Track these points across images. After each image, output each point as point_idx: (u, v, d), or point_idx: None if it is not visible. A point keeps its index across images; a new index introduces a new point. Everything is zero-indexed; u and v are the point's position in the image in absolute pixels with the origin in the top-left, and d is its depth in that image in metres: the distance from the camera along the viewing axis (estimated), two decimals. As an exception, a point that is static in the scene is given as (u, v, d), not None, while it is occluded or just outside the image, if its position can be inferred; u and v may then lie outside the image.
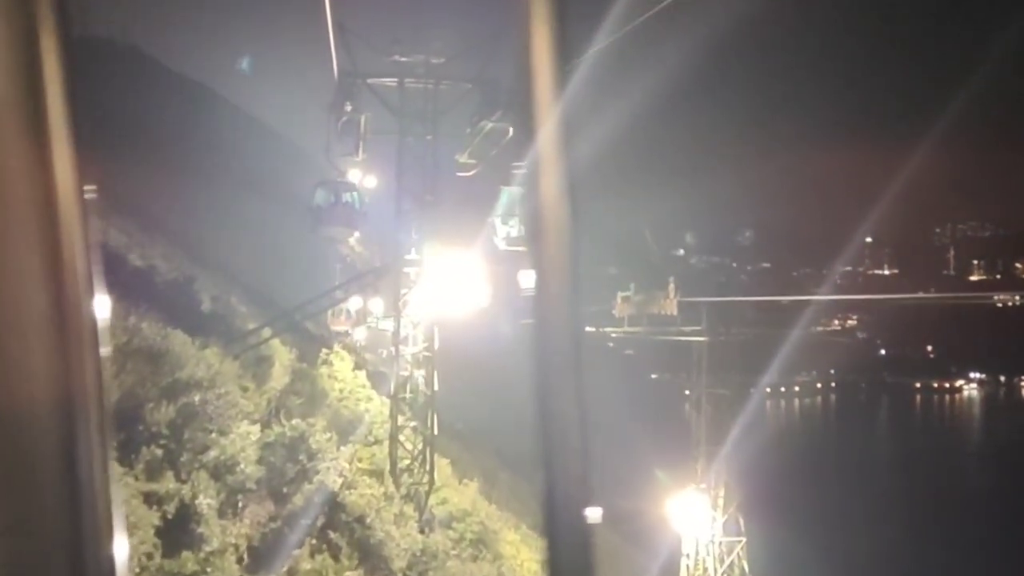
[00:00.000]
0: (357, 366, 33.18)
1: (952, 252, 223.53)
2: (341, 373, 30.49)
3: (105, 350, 1.52)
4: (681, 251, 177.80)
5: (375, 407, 28.73)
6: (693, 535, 38.83)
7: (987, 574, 54.55)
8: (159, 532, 15.13)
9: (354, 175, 33.58)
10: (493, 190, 25.39)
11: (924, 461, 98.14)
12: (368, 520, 20.49)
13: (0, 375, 1.44)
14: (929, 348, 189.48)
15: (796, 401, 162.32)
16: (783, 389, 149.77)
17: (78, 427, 1.47)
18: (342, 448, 21.99)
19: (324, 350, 32.61)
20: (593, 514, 1.72)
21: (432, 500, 25.64)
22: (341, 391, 29.07)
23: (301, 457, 19.15)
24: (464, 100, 25.53)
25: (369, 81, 25.49)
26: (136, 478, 15.63)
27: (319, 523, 19.51)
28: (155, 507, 15.39)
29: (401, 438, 25.61)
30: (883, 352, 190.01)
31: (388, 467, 25.24)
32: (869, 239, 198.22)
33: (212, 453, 17.28)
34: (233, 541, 16.86)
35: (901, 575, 55.54)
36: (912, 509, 69.49)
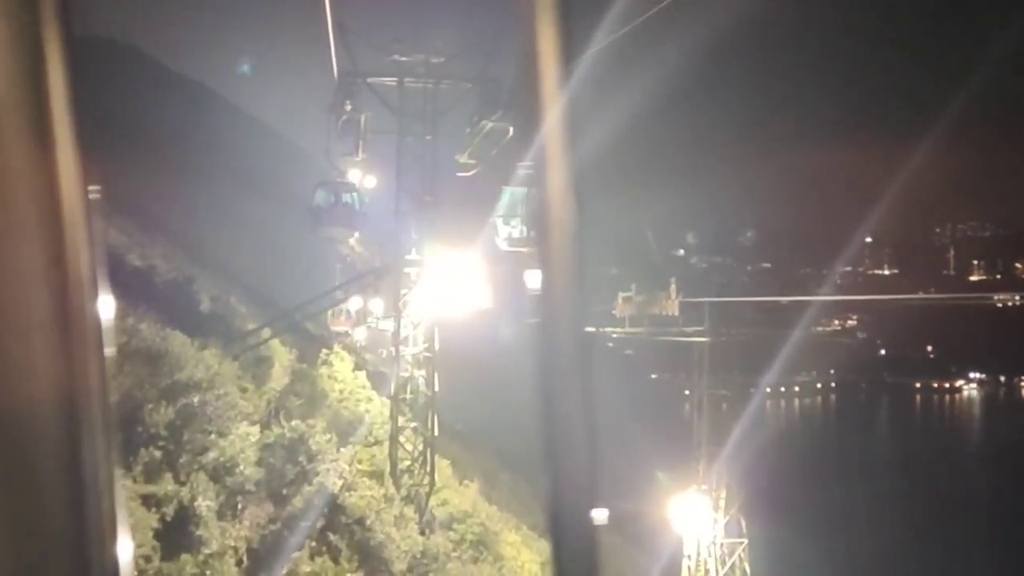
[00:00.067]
0: (357, 367, 33.17)
1: (952, 252, 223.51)
2: (341, 374, 30.48)
3: (109, 350, 1.52)
4: (682, 251, 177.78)
5: (375, 408, 28.72)
6: (694, 536, 38.80)
7: (987, 574, 54.52)
8: (158, 534, 15.12)
9: (354, 175, 33.57)
10: (493, 190, 25.41)
11: (924, 461, 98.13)
12: (368, 522, 20.48)
13: (4, 376, 1.43)
14: (929, 348, 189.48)
15: (796, 401, 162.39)
16: (783, 389, 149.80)
17: (82, 428, 1.47)
18: (342, 449, 21.98)
19: (324, 350, 32.61)
20: (599, 515, 1.71)
21: (432, 501, 25.63)
22: (341, 392, 29.06)
23: (301, 458, 19.14)
24: (464, 100, 25.55)
25: (369, 80, 25.50)
26: (134, 480, 15.62)
27: (319, 525, 19.49)
28: (154, 509, 15.39)
29: (401, 439, 25.59)
30: (883, 352, 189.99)
31: (388, 468, 25.22)
32: (869, 239, 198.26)
33: (211, 455, 17.26)
34: (232, 543, 16.85)
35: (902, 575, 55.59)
36: (913, 509, 69.48)
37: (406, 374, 25.80)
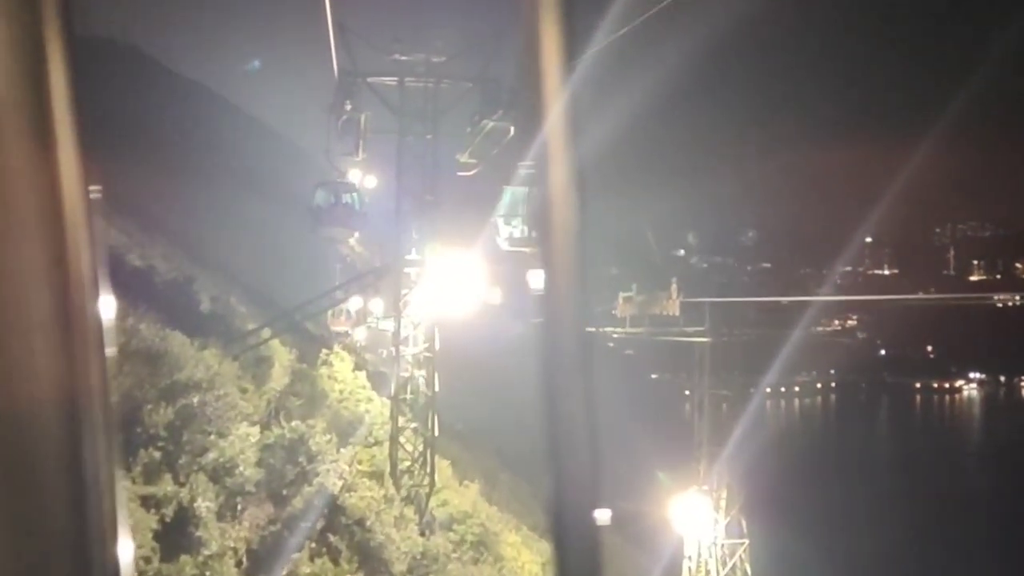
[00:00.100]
0: (357, 367, 33.15)
1: (952, 252, 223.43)
2: (341, 374, 30.47)
3: (110, 351, 1.52)
4: (682, 251, 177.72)
5: (375, 408, 28.70)
6: (695, 537, 38.79)
7: (987, 574, 54.53)
8: (157, 536, 15.11)
9: (354, 175, 33.58)
10: (494, 190, 25.38)
11: (924, 461, 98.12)
12: (368, 523, 20.46)
13: (5, 376, 1.43)
14: (929, 348, 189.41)
15: (796, 401, 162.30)
16: (783, 389, 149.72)
17: (83, 428, 1.47)
18: (342, 450, 21.96)
19: (324, 351, 32.60)
20: (602, 516, 1.70)
21: (433, 502, 25.61)
22: (341, 392, 29.04)
23: (301, 459, 19.13)
24: (465, 99, 25.54)
25: (369, 80, 25.48)
26: (134, 481, 15.60)
27: (319, 526, 19.48)
28: (153, 510, 15.38)
29: (401, 439, 25.58)
30: (883, 352, 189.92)
31: (388, 469, 25.20)
32: (869, 239, 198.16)
33: (211, 455, 17.25)
34: (232, 544, 16.84)
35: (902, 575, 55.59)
36: (913, 509, 69.47)
37: (406, 374, 25.79)
